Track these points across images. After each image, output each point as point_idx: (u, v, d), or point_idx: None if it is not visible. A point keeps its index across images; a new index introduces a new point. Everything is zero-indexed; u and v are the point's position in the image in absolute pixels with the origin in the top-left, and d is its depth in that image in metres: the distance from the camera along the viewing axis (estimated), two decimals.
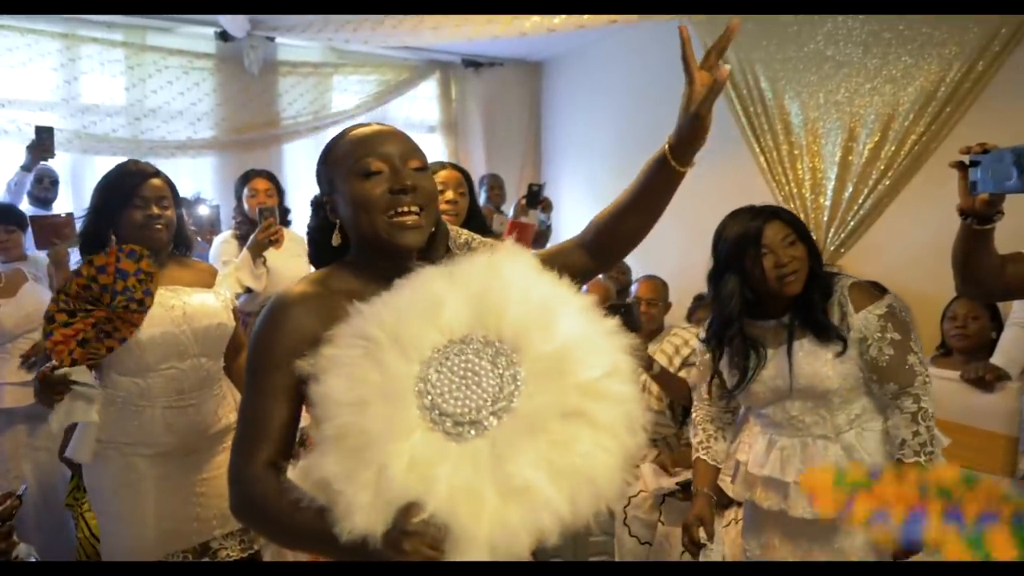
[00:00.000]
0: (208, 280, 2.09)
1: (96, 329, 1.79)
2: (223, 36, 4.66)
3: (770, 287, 1.83)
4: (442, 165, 2.36)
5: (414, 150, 1.19)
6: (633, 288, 3.36)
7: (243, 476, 1.10)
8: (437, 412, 0.99)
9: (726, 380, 1.96)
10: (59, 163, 3.87)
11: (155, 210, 1.93)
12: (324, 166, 1.23)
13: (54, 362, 1.76)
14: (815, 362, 1.79)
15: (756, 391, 1.88)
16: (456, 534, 0.92)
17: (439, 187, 2.25)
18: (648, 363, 2.78)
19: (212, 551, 2.02)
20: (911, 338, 1.79)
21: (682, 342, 3.07)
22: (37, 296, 3.02)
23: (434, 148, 5.54)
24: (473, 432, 0.98)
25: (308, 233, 1.31)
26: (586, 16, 3.98)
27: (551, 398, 0.99)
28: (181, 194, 2.10)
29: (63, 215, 2.97)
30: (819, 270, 1.86)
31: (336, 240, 1.20)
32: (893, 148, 3.47)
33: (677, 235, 4.81)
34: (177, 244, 2.07)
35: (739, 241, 1.85)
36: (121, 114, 4.45)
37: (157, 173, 1.99)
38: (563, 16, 4.00)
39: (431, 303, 1.05)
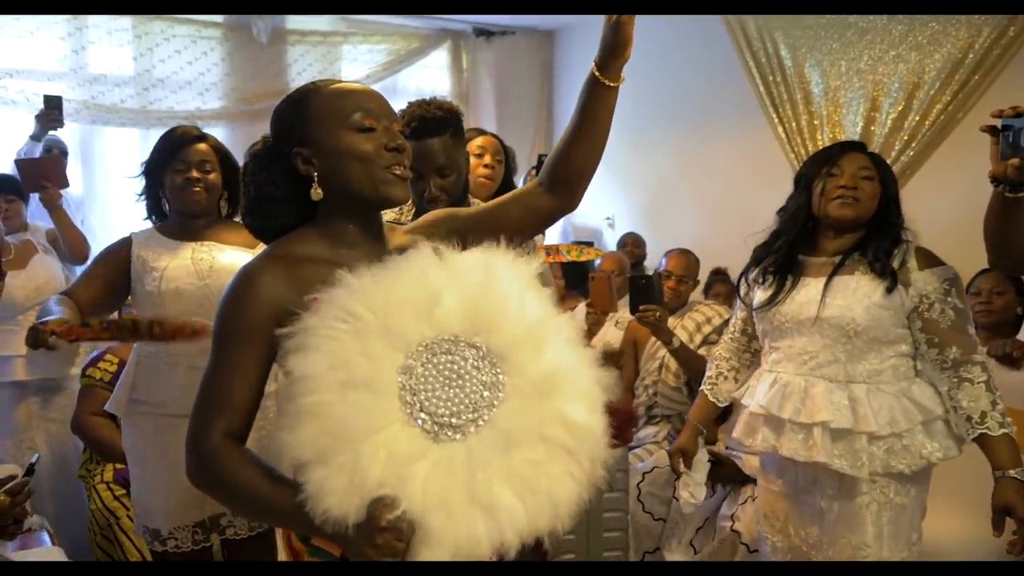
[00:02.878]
0: (255, 243, 2.08)
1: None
2: None
3: (825, 208, 1.82)
4: (480, 132, 2.30)
5: (394, 112, 1.21)
6: (662, 262, 3.20)
7: (201, 446, 1.10)
8: (418, 408, 1.01)
9: (755, 300, 1.92)
10: (68, 133, 3.84)
11: (195, 174, 1.96)
12: (298, 117, 1.17)
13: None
14: (851, 296, 1.76)
15: (783, 314, 1.83)
16: (424, 534, 0.95)
17: (478, 151, 2.21)
18: (669, 337, 2.73)
19: (221, 527, 2.02)
20: (969, 310, 1.78)
21: (704, 319, 2.98)
22: (47, 267, 3.00)
23: None
24: (451, 434, 1.01)
25: (257, 188, 1.20)
26: None
27: (531, 418, 1.02)
28: None
29: (53, 154, 2.90)
30: (894, 219, 1.84)
31: (317, 194, 1.15)
32: (918, 118, 3.38)
33: (692, 207, 4.75)
34: (234, 208, 2.08)
35: (815, 163, 1.88)
36: (129, 84, 4.40)
37: (203, 137, 2.02)
38: None
39: (426, 295, 1.04)
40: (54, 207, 2.89)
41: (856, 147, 1.89)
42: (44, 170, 2.87)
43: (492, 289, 1.06)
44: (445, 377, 1.02)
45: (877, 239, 1.81)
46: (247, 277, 1.13)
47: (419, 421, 1.00)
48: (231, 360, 1.11)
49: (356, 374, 0.99)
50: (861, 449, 1.71)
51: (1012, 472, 1.62)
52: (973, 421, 1.69)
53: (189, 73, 4.57)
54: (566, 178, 1.26)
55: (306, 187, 1.16)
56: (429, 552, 0.95)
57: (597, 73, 1.21)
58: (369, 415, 0.98)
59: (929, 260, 1.79)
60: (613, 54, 1.20)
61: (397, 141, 1.15)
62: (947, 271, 1.77)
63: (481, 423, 1.01)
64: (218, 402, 1.11)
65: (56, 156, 2.88)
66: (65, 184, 3.17)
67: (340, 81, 1.21)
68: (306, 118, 1.16)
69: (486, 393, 1.03)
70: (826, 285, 1.79)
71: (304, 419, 0.98)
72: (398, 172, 1.15)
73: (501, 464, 0.99)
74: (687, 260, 3.15)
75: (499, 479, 0.98)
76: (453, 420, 1.01)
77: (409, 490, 0.96)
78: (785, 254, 1.89)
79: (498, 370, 1.04)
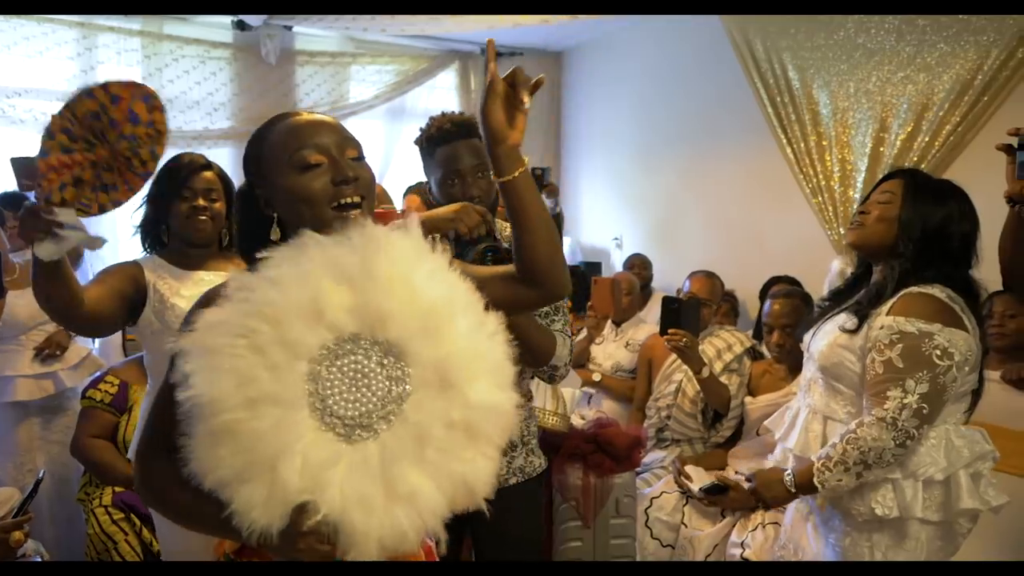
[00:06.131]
0: None
1: (94, 172, 1.65)
2: (240, 25, 4.62)
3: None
4: None
5: (349, 139, 1.16)
6: (686, 284, 3.14)
7: (145, 464, 1.14)
8: (328, 414, 1.02)
9: None
10: None
11: (201, 202, 1.93)
12: (254, 158, 1.17)
13: (44, 192, 1.59)
14: (826, 333, 1.75)
15: (803, 342, 1.88)
16: (348, 534, 0.98)
17: None
18: (699, 366, 2.66)
19: None
20: (915, 376, 1.57)
21: (725, 346, 2.90)
22: None
23: None
24: (364, 434, 1.02)
25: (239, 226, 1.25)
26: None
27: (437, 407, 1.03)
28: None
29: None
30: (904, 252, 1.65)
31: (276, 235, 1.15)
32: (927, 139, 3.35)
33: (700, 227, 4.73)
34: (232, 239, 2.05)
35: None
36: None
37: (208, 165, 1.99)
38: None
39: (317, 300, 1.02)
40: None
41: (901, 173, 1.77)
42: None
43: (378, 279, 1.04)
44: (350, 379, 1.03)
45: (882, 278, 1.71)
46: (207, 300, 1.12)
47: (331, 426, 1.02)
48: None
49: (263, 388, 0.99)
50: None
51: (787, 474, 1.71)
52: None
53: (198, 93, 4.60)
54: (530, 274, 1.22)
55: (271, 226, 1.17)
56: (357, 550, 0.98)
57: (491, 170, 1.21)
58: (280, 428, 0.99)
59: (907, 307, 1.61)
60: (488, 147, 1.18)
61: (346, 173, 1.11)
62: (914, 323, 1.58)
63: (392, 418, 1.03)
64: (164, 424, 1.10)
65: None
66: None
67: (295, 115, 1.18)
68: (260, 160, 1.16)
69: (394, 388, 1.04)
70: (827, 319, 1.79)
71: (219, 438, 0.98)
72: (349, 213, 1.11)
73: (414, 456, 1.02)
74: (712, 284, 3.09)
75: (413, 470, 1.01)
76: (363, 420, 1.02)
77: (328, 494, 0.98)
78: (848, 286, 1.87)
79: (402, 363, 1.04)
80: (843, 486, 1.62)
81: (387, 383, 1.03)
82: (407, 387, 1.04)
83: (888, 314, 1.62)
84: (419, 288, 1.05)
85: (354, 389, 1.02)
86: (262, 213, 1.17)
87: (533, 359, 1.71)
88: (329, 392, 1.02)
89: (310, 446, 0.99)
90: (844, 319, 1.73)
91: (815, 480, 1.64)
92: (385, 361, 1.04)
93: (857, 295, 1.79)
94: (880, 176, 3.36)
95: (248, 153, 1.19)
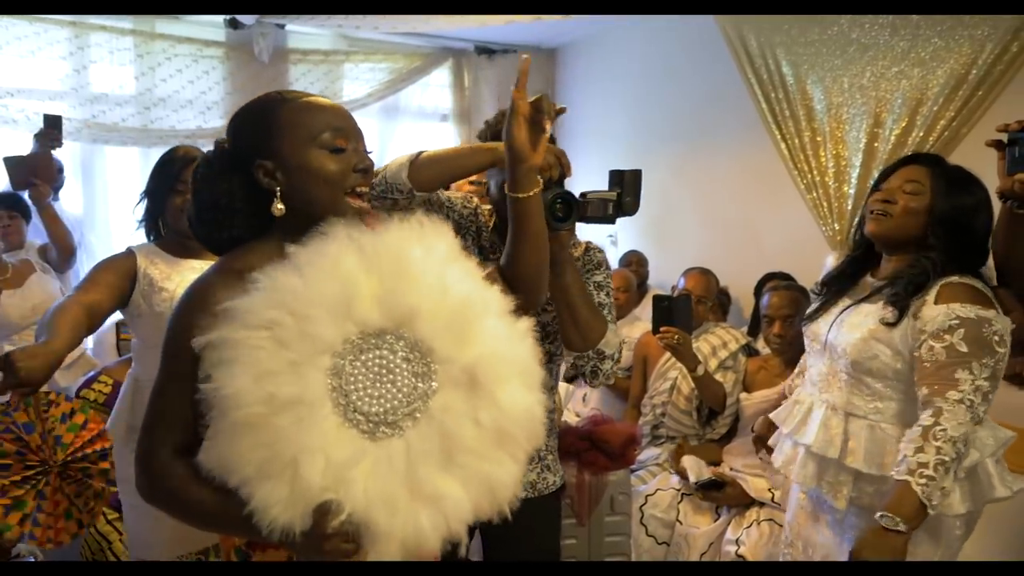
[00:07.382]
0: None
1: (67, 500, 1.60)
2: (232, 23, 4.60)
3: (864, 224, 1.72)
4: None
5: (361, 131, 1.18)
6: (680, 281, 3.13)
7: (152, 464, 1.08)
8: (352, 409, 0.99)
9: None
10: (68, 152, 3.83)
11: None
12: (263, 128, 1.12)
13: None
14: (855, 326, 1.67)
15: (811, 332, 1.82)
16: (372, 533, 0.95)
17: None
18: (693, 364, 2.65)
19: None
20: (981, 361, 1.52)
21: (720, 343, 2.90)
22: (44, 287, 3.00)
23: (447, 137, 5.46)
24: (388, 432, 0.99)
25: (212, 197, 1.15)
26: None
27: (465, 407, 1.01)
28: None
29: (42, 153, 2.93)
30: (937, 243, 1.60)
31: (279, 210, 1.11)
32: (921, 134, 3.34)
33: (695, 224, 4.73)
34: None
35: (877, 178, 1.76)
36: (130, 103, 4.41)
37: None
38: None
39: (343, 292, 0.99)
40: (43, 204, 2.89)
41: (919, 159, 1.72)
42: (33, 166, 2.87)
43: (408, 275, 1.02)
44: (375, 374, 1.00)
45: (916, 266, 1.64)
46: (199, 292, 1.09)
47: (354, 422, 0.99)
48: (178, 375, 1.07)
49: (284, 383, 0.96)
50: (844, 482, 1.67)
51: (882, 519, 1.48)
52: (898, 460, 1.55)
53: (191, 92, 4.58)
54: (518, 282, 1.29)
55: (265, 199, 1.12)
56: (377, 550, 0.96)
57: (506, 186, 1.26)
58: (302, 426, 0.96)
59: (955, 295, 1.56)
60: (508, 166, 1.24)
61: (365, 163, 1.14)
62: (971, 310, 1.53)
63: (418, 415, 1.00)
64: (167, 421, 1.08)
65: (46, 153, 2.87)
66: (53, 180, 3.18)
67: (308, 95, 1.16)
68: (272, 130, 1.12)
69: (419, 384, 1.01)
70: (844, 309, 1.73)
71: (239, 433, 0.96)
72: (359, 203, 1.13)
73: (441, 455, 0.99)
74: (707, 280, 3.09)
75: (440, 471, 0.99)
76: (388, 417, 0.99)
77: (351, 492, 0.95)
78: (847, 272, 1.82)
79: (428, 359, 1.01)
80: (948, 491, 1.51)
81: (412, 379, 1.01)
82: (433, 384, 1.01)
83: (937, 303, 1.58)
84: (450, 286, 1.04)
85: (378, 384, 1.00)
86: (258, 187, 1.12)
87: (581, 338, 1.58)
88: (352, 388, 0.99)
89: (332, 444, 0.96)
90: (878, 311, 1.65)
91: (922, 499, 1.46)
92: (411, 356, 1.01)
93: (875, 285, 1.73)
94: (875, 171, 3.39)
95: (249, 124, 1.15)
